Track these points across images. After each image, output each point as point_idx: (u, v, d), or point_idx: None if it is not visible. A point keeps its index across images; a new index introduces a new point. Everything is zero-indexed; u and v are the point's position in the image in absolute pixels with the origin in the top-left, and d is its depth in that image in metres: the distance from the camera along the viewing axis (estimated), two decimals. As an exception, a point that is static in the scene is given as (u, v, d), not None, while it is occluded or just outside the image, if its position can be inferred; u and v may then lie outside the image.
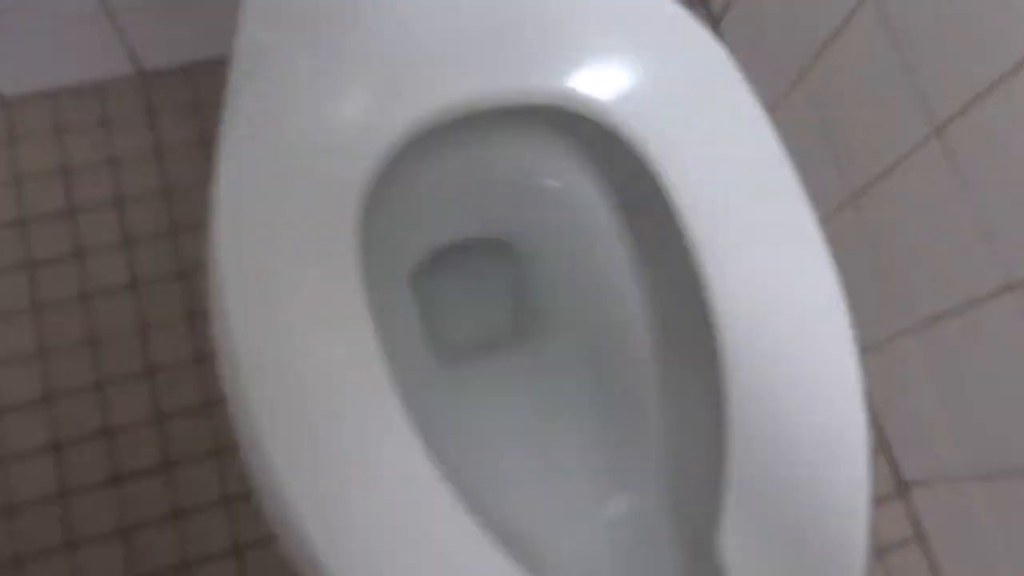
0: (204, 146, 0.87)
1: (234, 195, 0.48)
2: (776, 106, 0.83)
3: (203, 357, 0.80)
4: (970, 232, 0.64)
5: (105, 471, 0.76)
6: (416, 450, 0.44)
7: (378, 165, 0.50)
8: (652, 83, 0.53)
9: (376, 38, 0.52)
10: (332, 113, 0.50)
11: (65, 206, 0.83)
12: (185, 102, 0.88)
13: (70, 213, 0.83)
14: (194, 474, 0.77)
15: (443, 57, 0.52)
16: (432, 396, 0.64)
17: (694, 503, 0.55)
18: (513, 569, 0.42)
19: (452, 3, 0.53)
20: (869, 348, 0.79)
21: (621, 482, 0.61)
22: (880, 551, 0.78)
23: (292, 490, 0.43)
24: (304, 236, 0.48)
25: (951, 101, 0.63)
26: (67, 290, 0.81)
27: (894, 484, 0.80)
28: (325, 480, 0.43)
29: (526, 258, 0.70)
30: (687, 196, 0.51)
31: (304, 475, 0.43)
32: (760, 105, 0.54)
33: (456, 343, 0.72)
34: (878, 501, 0.79)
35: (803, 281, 0.50)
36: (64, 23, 0.79)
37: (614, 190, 0.62)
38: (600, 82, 0.53)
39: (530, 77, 0.52)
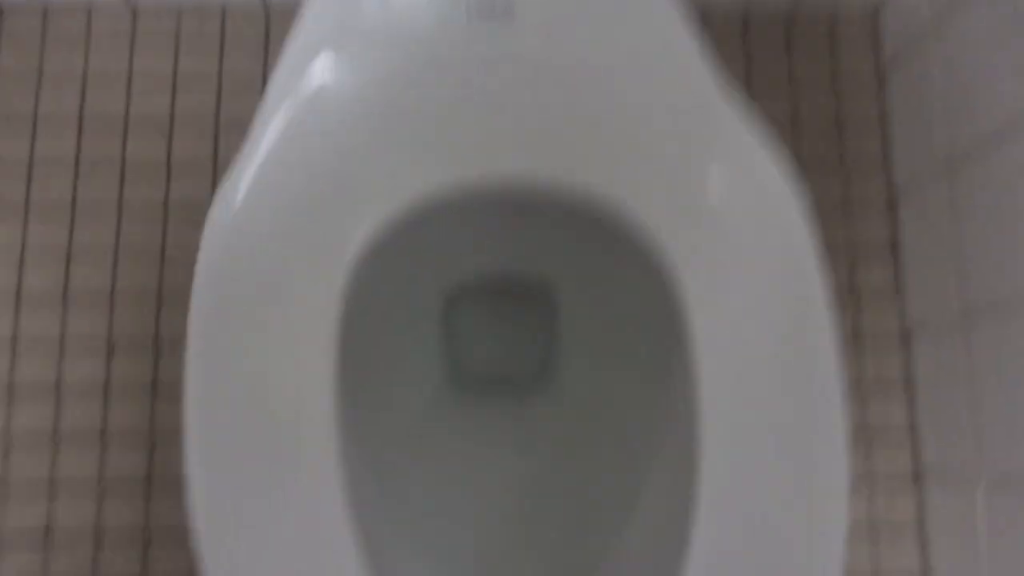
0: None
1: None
2: (914, 185, 0.79)
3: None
4: None
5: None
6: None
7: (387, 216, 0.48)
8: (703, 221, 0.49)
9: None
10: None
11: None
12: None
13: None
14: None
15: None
16: (434, 419, 0.64)
17: None
18: None
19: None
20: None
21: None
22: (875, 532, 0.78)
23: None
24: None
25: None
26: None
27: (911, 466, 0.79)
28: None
29: (565, 307, 0.68)
30: (709, 376, 0.47)
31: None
32: (823, 285, 0.48)
33: (476, 372, 0.70)
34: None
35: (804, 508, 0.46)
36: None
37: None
38: (658, 208, 0.49)
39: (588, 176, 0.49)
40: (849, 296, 0.80)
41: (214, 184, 0.82)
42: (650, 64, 0.50)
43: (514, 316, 0.70)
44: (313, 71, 0.49)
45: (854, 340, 0.80)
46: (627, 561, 0.55)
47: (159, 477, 0.77)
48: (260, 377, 0.45)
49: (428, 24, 0.50)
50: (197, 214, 0.81)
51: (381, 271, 0.53)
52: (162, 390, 0.78)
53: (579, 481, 0.62)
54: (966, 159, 0.69)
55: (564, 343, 0.67)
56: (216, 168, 0.82)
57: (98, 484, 0.76)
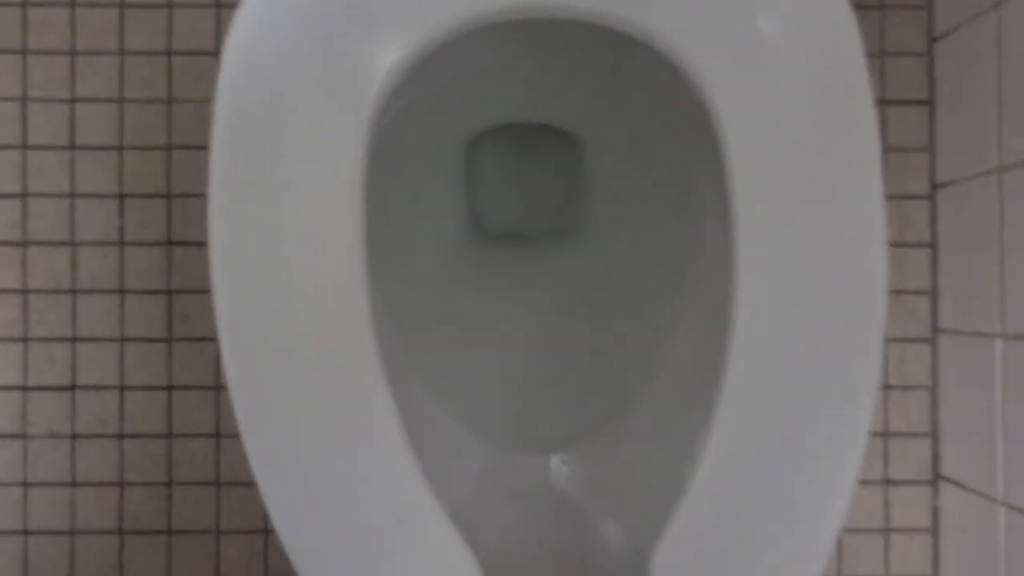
0: None
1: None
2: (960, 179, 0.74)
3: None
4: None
5: None
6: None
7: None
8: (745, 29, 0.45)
9: None
10: None
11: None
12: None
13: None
14: None
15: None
16: (457, 270, 0.62)
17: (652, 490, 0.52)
18: None
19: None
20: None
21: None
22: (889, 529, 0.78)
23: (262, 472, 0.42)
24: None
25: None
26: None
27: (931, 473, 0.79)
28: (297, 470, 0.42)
29: (591, 153, 0.65)
30: (743, 160, 0.44)
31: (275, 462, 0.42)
32: (873, 125, 0.45)
33: (499, 223, 0.68)
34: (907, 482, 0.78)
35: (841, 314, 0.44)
36: None
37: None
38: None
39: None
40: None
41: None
42: None
43: (537, 165, 0.68)
44: None
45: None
46: (656, 407, 0.55)
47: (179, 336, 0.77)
48: (286, 229, 0.43)
49: None
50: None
51: (404, 111, 0.50)
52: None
53: (605, 329, 0.61)
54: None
55: (589, 191, 0.66)
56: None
57: (120, 339, 0.77)
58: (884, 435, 0.78)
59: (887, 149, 0.78)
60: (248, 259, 0.43)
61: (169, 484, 0.77)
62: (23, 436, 0.77)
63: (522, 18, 0.45)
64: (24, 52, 0.77)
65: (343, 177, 0.43)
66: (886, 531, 0.78)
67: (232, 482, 0.77)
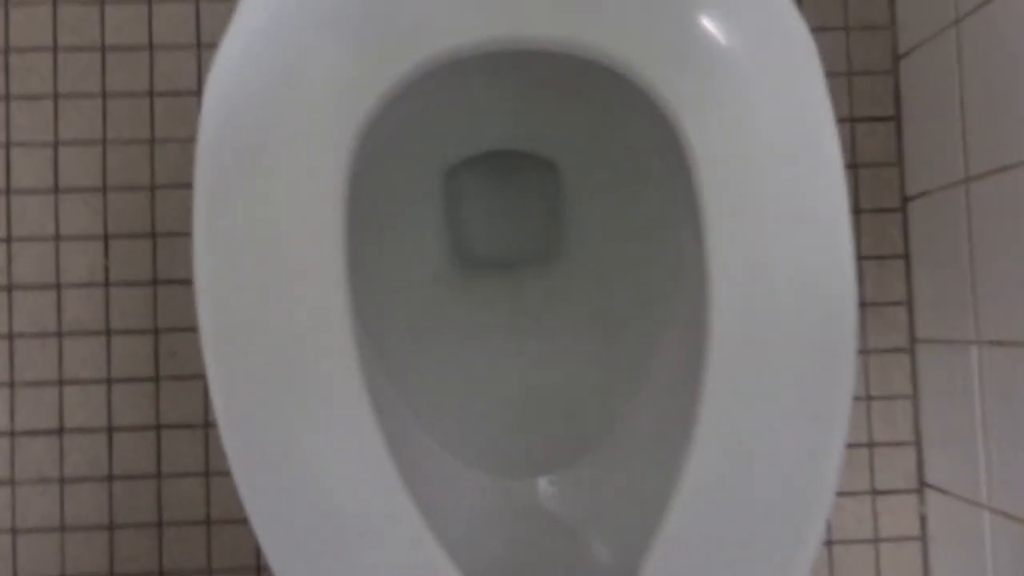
0: None
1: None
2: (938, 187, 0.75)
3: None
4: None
5: None
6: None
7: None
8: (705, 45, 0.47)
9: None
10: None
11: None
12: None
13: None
14: None
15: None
16: (440, 296, 0.63)
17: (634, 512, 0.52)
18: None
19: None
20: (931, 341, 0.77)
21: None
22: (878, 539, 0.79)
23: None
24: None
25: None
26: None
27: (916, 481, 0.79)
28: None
29: (568, 178, 0.66)
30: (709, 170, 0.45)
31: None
32: (834, 133, 0.46)
33: (480, 250, 0.70)
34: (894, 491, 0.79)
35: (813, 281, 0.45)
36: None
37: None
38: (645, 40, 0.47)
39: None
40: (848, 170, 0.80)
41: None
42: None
43: (516, 192, 0.69)
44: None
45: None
46: (641, 423, 0.56)
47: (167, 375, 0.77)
48: (268, 251, 0.44)
49: None
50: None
51: (383, 141, 0.51)
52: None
53: (589, 349, 0.62)
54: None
55: (568, 215, 0.67)
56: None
57: (107, 380, 0.77)
58: (869, 445, 0.79)
59: (857, 165, 0.80)
60: (232, 291, 0.44)
61: (160, 525, 0.77)
62: (11, 482, 0.76)
63: (496, 50, 0.47)
64: (7, 98, 0.78)
65: (324, 209, 0.44)
66: (875, 541, 0.78)
67: (223, 520, 0.77)
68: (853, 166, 0.80)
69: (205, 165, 0.44)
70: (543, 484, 0.59)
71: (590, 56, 0.47)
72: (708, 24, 0.46)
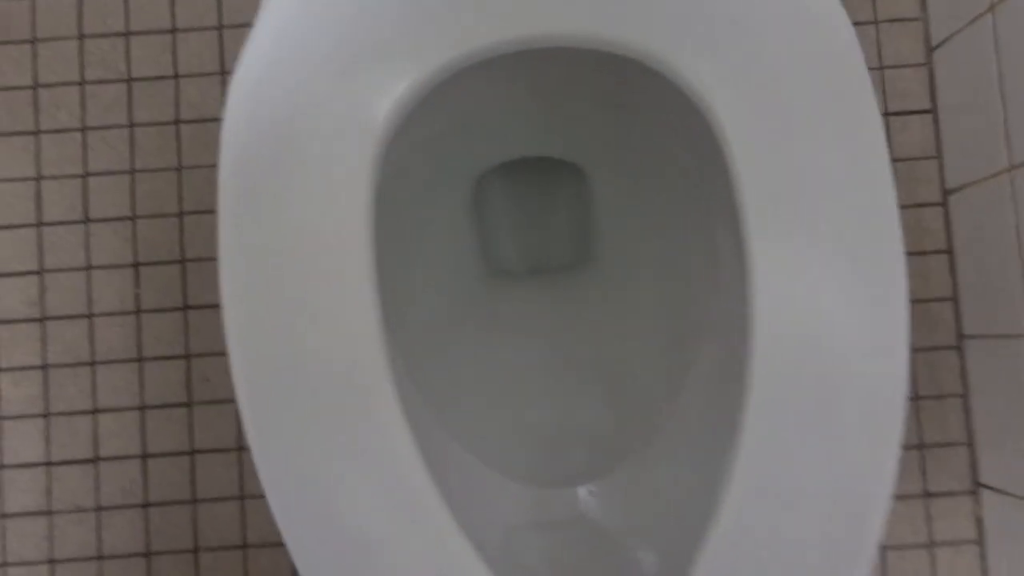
0: None
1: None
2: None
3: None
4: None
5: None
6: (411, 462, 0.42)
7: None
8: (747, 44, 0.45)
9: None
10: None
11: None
12: None
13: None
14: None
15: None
16: (472, 305, 0.62)
17: (681, 513, 0.51)
18: None
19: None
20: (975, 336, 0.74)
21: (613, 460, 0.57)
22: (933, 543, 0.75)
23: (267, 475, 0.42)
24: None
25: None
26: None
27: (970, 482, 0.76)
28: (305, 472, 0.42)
29: (597, 182, 0.65)
30: (752, 186, 0.43)
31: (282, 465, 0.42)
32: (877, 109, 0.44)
33: (511, 257, 0.68)
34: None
35: (864, 311, 0.43)
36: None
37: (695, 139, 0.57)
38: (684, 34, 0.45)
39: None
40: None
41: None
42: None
43: (545, 198, 0.68)
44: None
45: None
46: (680, 427, 0.54)
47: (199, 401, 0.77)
48: (294, 271, 0.43)
49: None
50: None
51: (409, 150, 0.51)
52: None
53: (625, 354, 0.60)
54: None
55: (599, 219, 0.65)
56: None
57: (141, 407, 0.77)
58: (920, 447, 0.76)
59: (895, 160, 0.78)
60: (259, 312, 0.43)
61: (196, 550, 0.76)
62: (48, 513, 0.76)
63: (519, 49, 0.46)
64: (37, 132, 0.79)
65: (351, 223, 0.43)
66: (930, 545, 0.75)
67: (259, 544, 0.76)
68: (891, 161, 0.78)
69: (228, 185, 0.44)
70: (582, 493, 0.57)
71: (613, 49, 0.45)
72: (736, 7, 0.45)
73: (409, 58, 0.45)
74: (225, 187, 0.44)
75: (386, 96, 0.44)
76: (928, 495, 0.76)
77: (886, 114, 0.78)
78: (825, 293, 0.42)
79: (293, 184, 0.43)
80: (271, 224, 0.43)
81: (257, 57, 0.44)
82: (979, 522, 0.75)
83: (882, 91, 0.78)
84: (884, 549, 0.75)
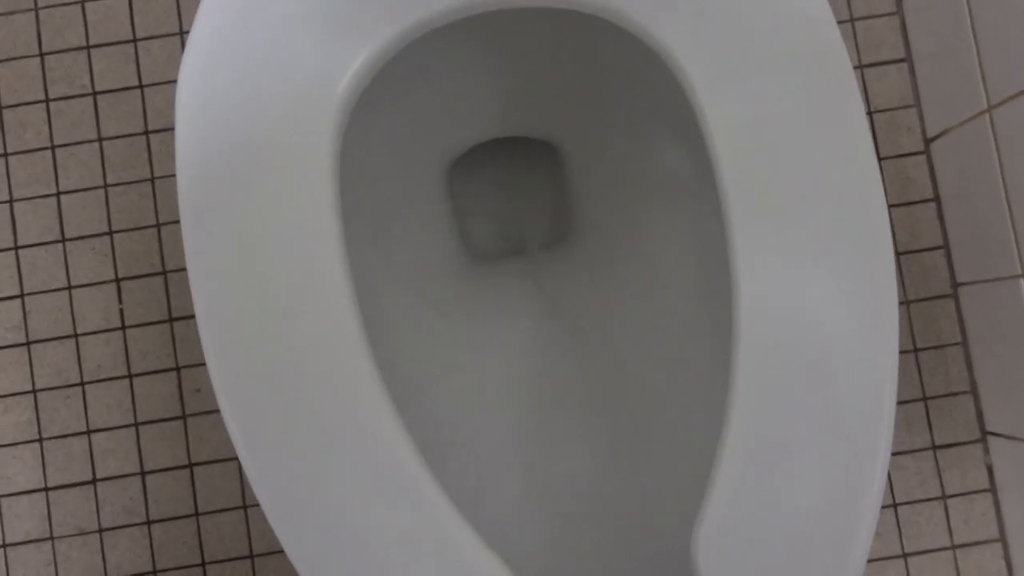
0: None
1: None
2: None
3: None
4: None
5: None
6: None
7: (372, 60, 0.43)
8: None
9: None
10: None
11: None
12: None
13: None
14: None
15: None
16: (453, 290, 0.61)
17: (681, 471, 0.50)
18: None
19: None
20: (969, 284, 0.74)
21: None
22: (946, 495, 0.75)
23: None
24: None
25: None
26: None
27: (978, 431, 0.75)
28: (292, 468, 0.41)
29: (573, 163, 0.64)
30: (733, 168, 0.42)
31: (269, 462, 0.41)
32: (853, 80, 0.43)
33: (487, 238, 0.67)
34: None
35: (853, 297, 0.42)
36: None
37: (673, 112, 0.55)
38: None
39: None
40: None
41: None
42: None
43: (521, 179, 0.67)
44: None
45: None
46: (669, 411, 0.53)
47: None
48: (262, 267, 0.42)
49: None
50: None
51: (376, 129, 0.50)
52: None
53: (606, 339, 0.59)
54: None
55: (575, 196, 0.64)
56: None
57: (135, 424, 0.76)
58: (923, 399, 0.75)
59: (873, 112, 0.77)
60: (231, 317, 0.42)
61: (203, 564, 0.75)
62: (51, 538, 0.75)
63: (481, 11, 0.45)
64: (5, 155, 0.78)
65: (317, 207, 0.42)
66: (943, 497, 0.75)
67: (266, 552, 0.75)
68: (868, 113, 0.77)
69: (187, 190, 0.42)
70: (580, 465, 0.56)
71: (590, 10, 0.44)
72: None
73: (365, 28, 0.43)
74: (185, 191, 0.42)
75: (344, 69, 0.43)
76: (936, 447, 0.75)
77: (861, 66, 0.77)
78: (808, 263, 0.42)
79: (254, 178, 0.42)
80: (234, 224, 0.42)
81: (201, 51, 0.43)
82: (990, 470, 0.75)
83: (855, 43, 0.77)
84: (895, 506, 0.75)
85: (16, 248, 0.77)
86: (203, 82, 0.42)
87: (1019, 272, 0.64)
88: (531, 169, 0.68)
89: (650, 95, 0.53)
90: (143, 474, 0.76)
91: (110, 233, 0.77)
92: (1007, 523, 0.73)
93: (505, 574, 0.40)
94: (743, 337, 0.41)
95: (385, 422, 0.41)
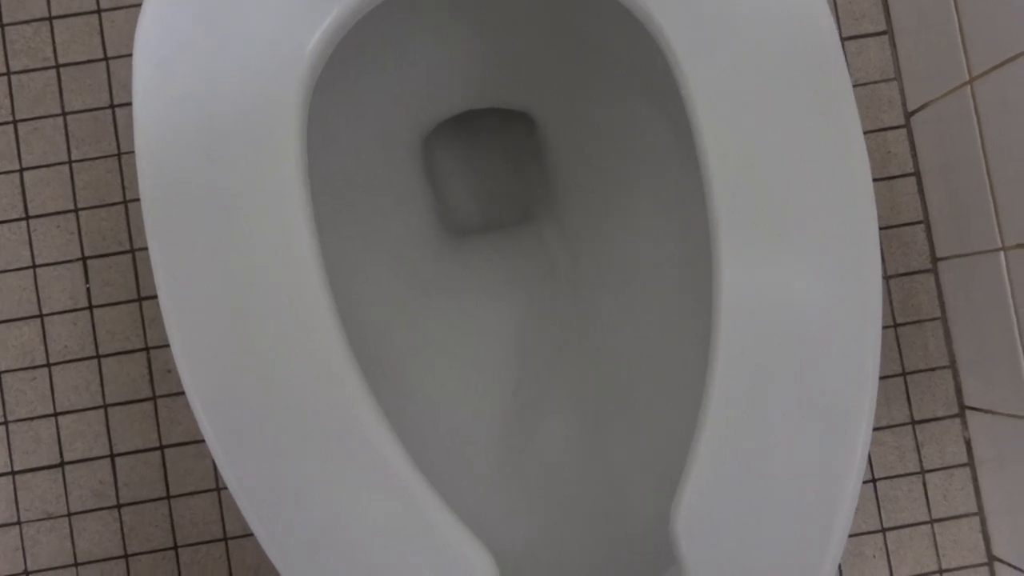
0: None
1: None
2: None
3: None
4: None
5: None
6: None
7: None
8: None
9: None
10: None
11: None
12: None
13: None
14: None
15: None
16: (432, 267, 0.59)
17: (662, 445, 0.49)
18: None
19: None
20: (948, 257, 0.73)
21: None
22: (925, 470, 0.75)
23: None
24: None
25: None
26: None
27: (956, 405, 0.75)
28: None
29: (551, 135, 0.62)
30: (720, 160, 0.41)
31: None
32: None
33: (464, 213, 0.66)
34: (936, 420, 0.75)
35: (836, 273, 0.41)
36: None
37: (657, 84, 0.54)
38: None
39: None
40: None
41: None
42: None
43: (496, 156, 0.66)
44: None
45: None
46: (645, 397, 0.52)
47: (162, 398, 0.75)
48: (229, 250, 0.41)
49: None
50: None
51: (349, 99, 0.48)
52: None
53: (586, 315, 0.58)
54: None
55: (553, 168, 0.63)
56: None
57: (103, 406, 0.74)
58: (903, 374, 0.75)
59: (853, 85, 0.76)
60: (198, 288, 0.41)
61: (176, 547, 0.74)
62: (18, 523, 0.74)
63: None
64: (-35, 130, 0.75)
65: (284, 169, 0.41)
66: (922, 472, 0.75)
67: (240, 535, 0.74)
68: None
69: (146, 167, 0.41)
70: (560, 446, 0.55)
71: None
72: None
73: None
74: (146, 163, 0.41)
75: (313, 29, 0.41)
76: (915, 422, 0.75)
77: (844, 39, 0.76)
78: (792, 237, 0.41)
79: (218, 145, 0.41)
80: (198, 195, 0.41)
81: (158, 13, 0.41)
82: (968, 444, 0.75)
83: (836, 16, 0.76)
84: (876, 480, 0.74)
85: (-22, 226, 0.75)
86: (161, 45, 0.40)
87: (999, 246, 0.64)
88: (508, 142, 0.67)
89: (631, 64, 0.52)
90: (112, 456, 0.74)
91: (75, 210, 0.75)
92: (985, 497, 0.73)
93: (485, 556, 0.39)
94: (725, 311, 0.40)
95: (361, 406, 0.40)
